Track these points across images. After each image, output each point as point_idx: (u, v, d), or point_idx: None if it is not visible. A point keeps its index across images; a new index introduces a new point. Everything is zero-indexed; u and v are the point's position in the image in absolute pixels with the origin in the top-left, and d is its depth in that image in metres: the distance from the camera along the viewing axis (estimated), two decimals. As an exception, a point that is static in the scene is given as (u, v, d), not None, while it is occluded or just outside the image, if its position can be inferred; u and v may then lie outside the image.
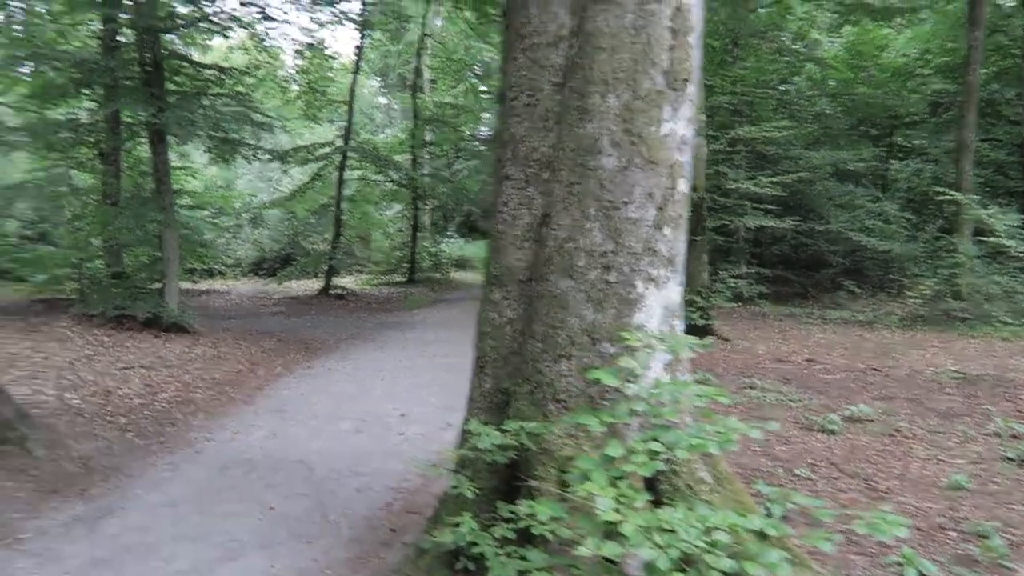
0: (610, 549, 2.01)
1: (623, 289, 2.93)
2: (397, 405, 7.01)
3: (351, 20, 16.77)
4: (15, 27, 12.75)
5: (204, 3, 11.83)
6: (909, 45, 18.10)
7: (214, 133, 11.74)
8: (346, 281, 19.39)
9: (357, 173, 19.56)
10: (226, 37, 12.70)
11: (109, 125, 11.42)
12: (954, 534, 3.79)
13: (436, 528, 3.37)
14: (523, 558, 2.40)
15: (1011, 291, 11.86)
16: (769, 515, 2.27)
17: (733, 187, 13.40)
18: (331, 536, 4.01)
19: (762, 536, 2.08)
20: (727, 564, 1.92)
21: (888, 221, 15.33)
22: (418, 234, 21.11)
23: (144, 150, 12.90)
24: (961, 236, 12.87)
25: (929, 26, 17.49)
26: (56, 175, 11.89)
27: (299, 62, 18.95)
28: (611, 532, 2.01)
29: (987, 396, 6.94)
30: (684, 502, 2.88)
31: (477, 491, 2.88)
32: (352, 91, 17.83)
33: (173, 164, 12.21)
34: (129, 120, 11.67)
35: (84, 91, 11.26)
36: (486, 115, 24.27)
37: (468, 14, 18.88)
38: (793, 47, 17.39)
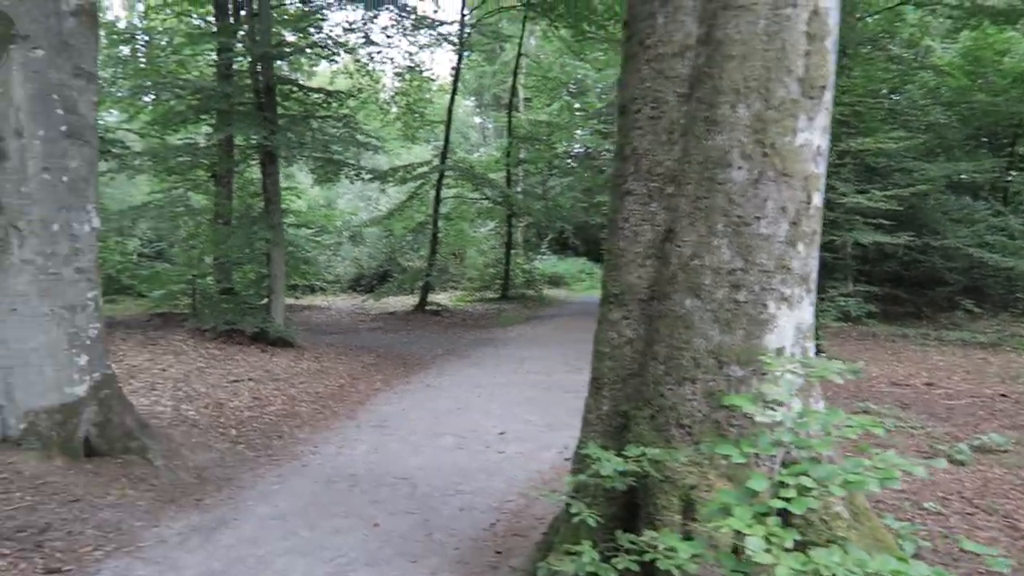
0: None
1: (753, 309, 2.77)
2: (495, 423, 6.97)
3: (449, 42, 17.06)
4: (140, 59, 13.71)
5: (311, 30, 12.35)
6: (1034, 49, 16.89)
7: (319, 154, 12.16)
8: (441, 297, 19.60)
9: (453, 191, 19.81)
10: (332, 62, 13.18)
11: (223, 148, 12.02)
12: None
13: (547, 554, 3.26)
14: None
15: None
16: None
17: (842, 201, 12.74)
18: (437, 556, 3.96)
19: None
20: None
21: (1012, 236, 14.24)
22: (511, 251, 21.14)
23: (254, 172, 13.53)
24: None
25: (1056, 28, 16.23)
26: (175, 196, 12.50)
27: (398, 84, 19.49)
28: (756, 573, 1.85)
29: None
30: (819, 538, 2.68)
31: (598, 519, 2.75)
32: (450, 111, 18.11)
33: (281, 185, 12.75)
34: (241, 143, 12.26)
35: (202, 116, 11.92)
36: (580, 132, 24.22)
37: (564, 32, 18.91)
38: (904, 54, 16.50)
